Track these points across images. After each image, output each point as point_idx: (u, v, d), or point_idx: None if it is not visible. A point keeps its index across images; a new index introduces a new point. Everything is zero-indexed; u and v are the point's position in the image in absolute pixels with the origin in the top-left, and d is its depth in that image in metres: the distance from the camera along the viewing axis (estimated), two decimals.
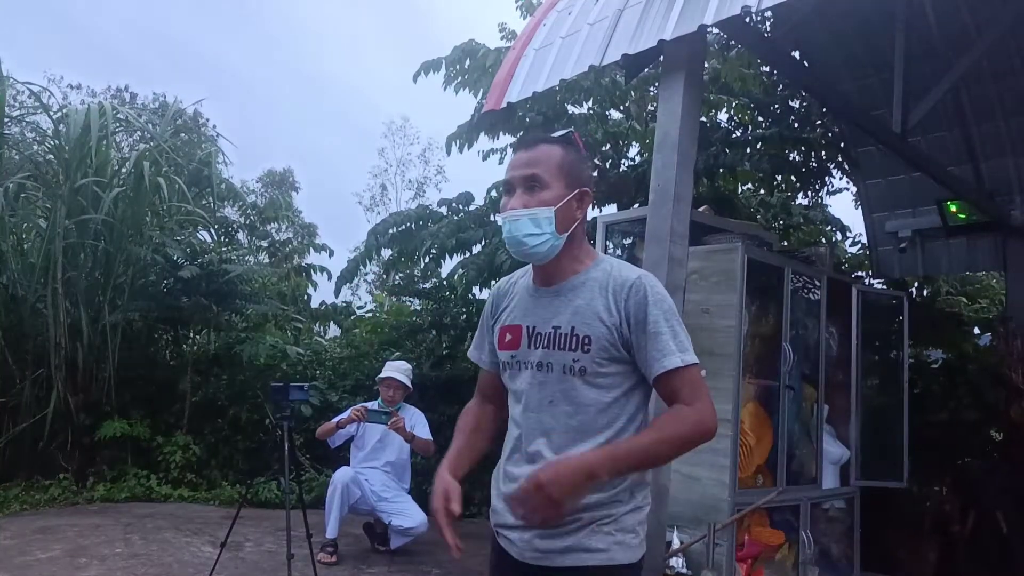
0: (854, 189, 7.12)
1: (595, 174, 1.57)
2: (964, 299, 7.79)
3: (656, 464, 1.40)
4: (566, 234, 1.48)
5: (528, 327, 1.53)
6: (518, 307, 1.58)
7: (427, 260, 6.54)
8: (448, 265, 6.49)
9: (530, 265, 1.58)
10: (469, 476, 1.64)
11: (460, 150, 6.01)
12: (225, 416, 7.01)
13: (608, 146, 6.29)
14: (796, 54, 5.58)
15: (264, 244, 10.06)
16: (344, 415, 4.77)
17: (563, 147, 1.51)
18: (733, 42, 5.47)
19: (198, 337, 7.85)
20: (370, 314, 9.05)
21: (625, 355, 1.46)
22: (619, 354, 1.45)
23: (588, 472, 1.33)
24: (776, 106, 6.39)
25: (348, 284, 7.04)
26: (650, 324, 1.43)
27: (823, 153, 6.41)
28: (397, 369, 4.91)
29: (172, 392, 7.07)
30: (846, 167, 6.62)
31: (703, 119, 6.17)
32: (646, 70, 4.78)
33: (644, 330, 1.43)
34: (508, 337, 1.57)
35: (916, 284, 7.53)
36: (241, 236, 9.65)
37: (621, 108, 6.61)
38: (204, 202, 8.50)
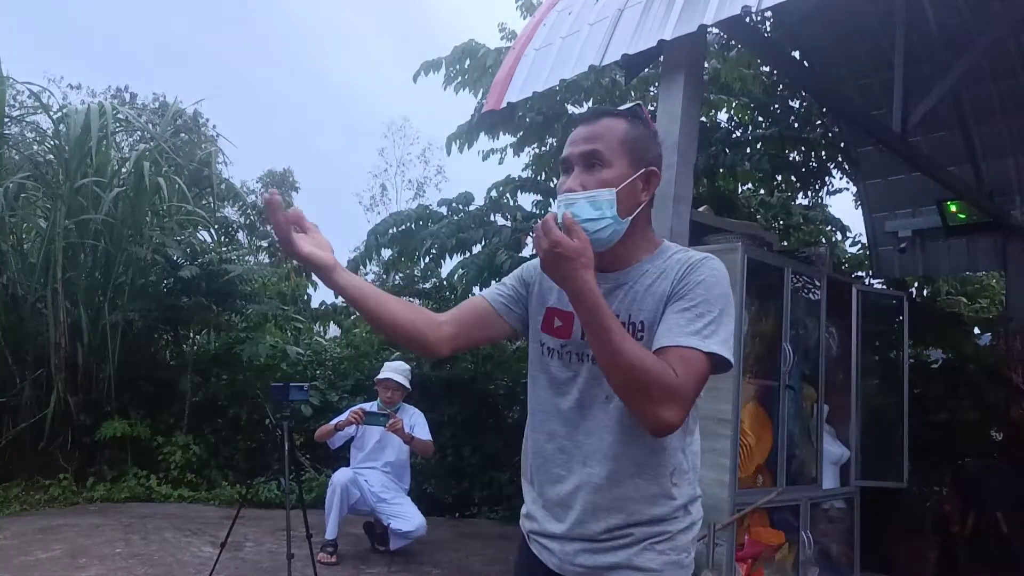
0: (854, 189, 7.13)
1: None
2: (964, 299, 7.80)
3: (609, 354, 1.18)
4: (630, 218, 1.33)
5: None
6: None
7: (427, 260, 6.53)
8: (448, 265, 6.49)
9: None
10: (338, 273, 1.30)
11: (460, 150, 6.01)
12: (225, 416, 7.02)
13: None
14: (796, 54, 5.58)
15: (264, 244, 10.07)
16: (342, 417, 4.76)
17: (628, 121, 1.37)
18: (733, 42, 5.47)
19: (198, 337, 7.85)
20: None
21: None
22: None
23: (576, 290, 1.18)
24: (776, 106, 6.39)
25: None
26: (686, 300, 1.28)
27: (823, 153, 6.41)
28: (395, 370, 4.90)
29: (172, 392, 7.07)
30: (846, 167, 6.63)
31: (703, 119, 6.17)
32: (646, 70, 4.78)
33: (677, 302, 1.29)
34: (558, 323, 1.42)
35: (916, 284, 7.53)
36: (241, 236, 9.66)
37: None
38: (204, 202, 8.52)
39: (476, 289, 6.38)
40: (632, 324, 1.34)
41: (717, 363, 1.26)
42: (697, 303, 1.27)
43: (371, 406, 4.86)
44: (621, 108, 1.41)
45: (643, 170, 1.35)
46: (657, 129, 1.51)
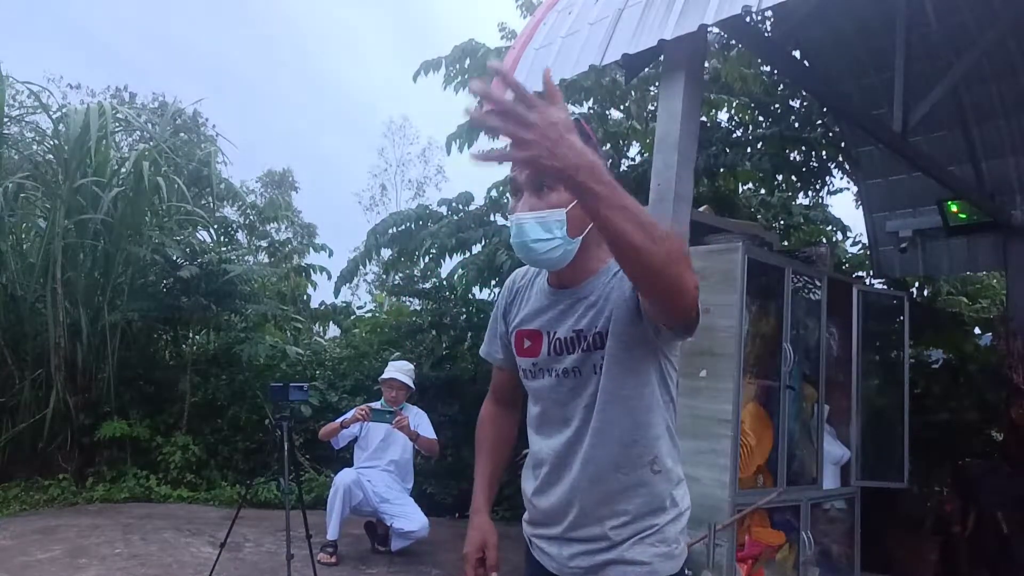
0: (854, 189, 7.11)
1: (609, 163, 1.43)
2: (965, 299, 7.79)
3: (634, 235, 1.01)
4: (580, 237, 1.34)
5: (548, 333, 1.43)
6: (535, 309, 1.47)
7: (427, 260, 6.53)
8: (448, 265, 6.49)
9: None
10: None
11: (460, 150, 5.99)
12: (225, 416, 7.01)
13: (608, 146, 6.29)
14: (796, 54, 5.57)
15: (264, 244, 10.04)
16: (348, 415, 4.76)
17: None
18: (733, 42, 5.47)
19: (198, 337, 7.85)
20: (370, 314, 9.05)
21: (644, 332, 1.31)
22: (636, 330, 1.31)
23: (589, 166, 0.99)
24: (776, 106, 6.39)
25: (348, 284, 7.03)
26: None
27: (823, 153, 6.40)
28: (400, 370, 4.90)
29: (172, 392, 7.07)
30: (847, 167, 6.62)
31: (703, 119, 6.17)
32: (646, 70, 4.77)
33: None
34: (527, 343, 1.47)
35: (917, 284, 7.52)
36: (241, 236, 9.64)
37: (621, 108, 6.60)
38: (204, 202, 8.50)
39: (476, 289, 6.38)
40: (600, 334, 1.35)
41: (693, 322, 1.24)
42: None
43: (376, 405, 4.86)
44: None
45: None
46: (602, 141, 1.53)
